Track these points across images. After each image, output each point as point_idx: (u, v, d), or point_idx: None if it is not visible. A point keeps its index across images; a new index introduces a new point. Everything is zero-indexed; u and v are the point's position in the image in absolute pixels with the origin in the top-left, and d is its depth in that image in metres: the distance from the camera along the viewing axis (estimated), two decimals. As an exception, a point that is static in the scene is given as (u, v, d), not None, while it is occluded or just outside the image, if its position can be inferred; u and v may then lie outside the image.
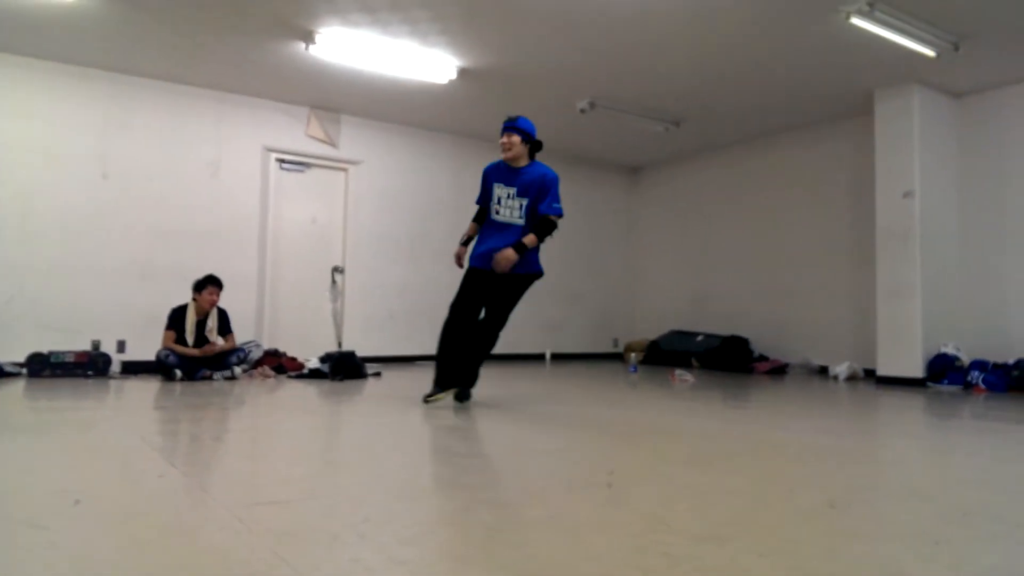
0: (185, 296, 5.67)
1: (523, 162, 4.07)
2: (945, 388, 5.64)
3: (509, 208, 3.97)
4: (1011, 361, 5.65)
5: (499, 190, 4.02)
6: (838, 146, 7.20)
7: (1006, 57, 5.46)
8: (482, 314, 4.08)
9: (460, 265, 4.19)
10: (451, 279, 7.90)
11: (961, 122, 6.32)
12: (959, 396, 5.16)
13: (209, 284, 5.58)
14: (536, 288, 9.50)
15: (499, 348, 8.08)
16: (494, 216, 4.00)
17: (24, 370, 5.40)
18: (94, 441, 2.84)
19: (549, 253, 8.64)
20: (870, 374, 6.46)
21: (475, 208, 4.22)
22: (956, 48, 5.19)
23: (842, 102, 6.61)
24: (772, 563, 1.45)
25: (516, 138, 4.03)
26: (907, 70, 5.76)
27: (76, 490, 1.96)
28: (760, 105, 6.80)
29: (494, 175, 4.10)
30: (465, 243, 4.18)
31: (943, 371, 5.76)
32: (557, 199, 4.00)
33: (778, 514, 1.85)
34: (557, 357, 8.64)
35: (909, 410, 4.41)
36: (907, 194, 6.00)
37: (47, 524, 1.65)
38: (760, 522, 1.77)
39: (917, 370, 5.88)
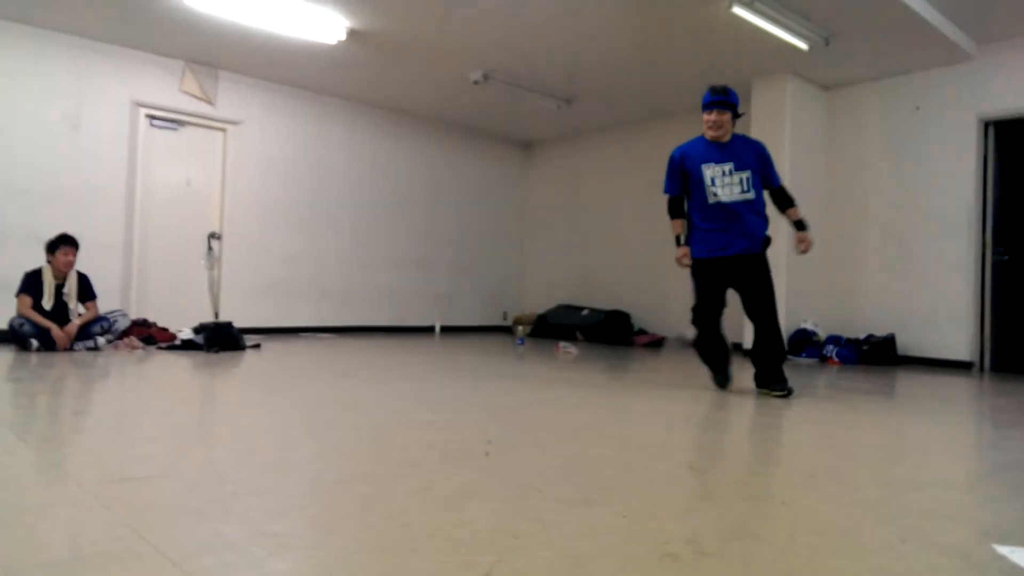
0: (40, 260, 5.22)
1: (728, 136, 3.76)
2: (803, 361, 6.09)
3: (730, 186, 3.66)
4: (862, 336, 6.17)
5: (711, 170, 3.70)
6: (718, 130, 7.52)
7: (870, 55, 5.87)
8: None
9: (685, 265, 3.95)
10: (342, 247, 7.79)
11: (830, 113, 6.76)
12: (815, 368, 5.59)
13: (63, 244, 5.16)
14: (428, 260, 9.52)
15: (388, 320, 8.10)
16: (712, 200, 3.69)
17: None
18: (-71, 416, 2.58)
19: (441, 226, 8.67)
20: (738, 348, 6.86)
21: (656, 203, 4.11)
22: (827, 43, 5.53)
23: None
24: (634, 524, 1.53)
25: (727, 115, 3.70)
26: (783, 62, 6.08)
27: (-97, 469, 1.79)
28: (647, 89, 7.00)
29: (697, 156, 3.77)
30: (685, 242, 3.94)
31: (802, 345, 6.22)
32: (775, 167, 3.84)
33: (642, 479, 1.95)
34: (447, 330, 8.65)
35: (771, 381, 4.72)
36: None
37: None
38: (625, 487, 1.86)
39: (780, 344, 6.31)
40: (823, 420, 3.13)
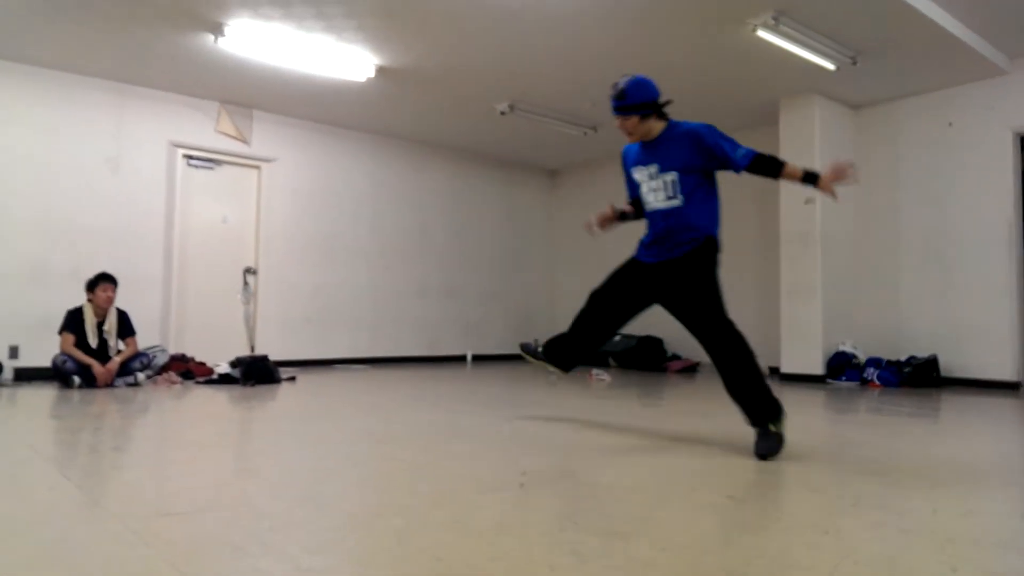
0: (82, 298, 5.35)
1: (657, 131, 3.18)
2: (843, 384, 5.96)
3: (655, 191, 3.11)
4: (903, 358, 6.03)
5: (639, 174, 3.22)
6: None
7: (899, 72, 5.82)
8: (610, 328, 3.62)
9: (593, 230, 3.65)
10: (371, 278, 7.88)
11: (858, 132, 6.69)
12: (856, 391, 5.46)
13: (102, 281, 5.29)
14: (457, 289, 9.50)
15: (420, 350, 8.13)
16: (648, 207, 3.20)
17: (-101, 378, 4.99)
18: (-23, 454, 2.65)
19: (469, 255, 8.72)
20: (774, 371, 6.76)
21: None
22: (854, 62, 5.49)
23: (750, 112, 6.90)
24: (673, 557, 1.50)
25: (634, 119, 3.13)
26: (810, 82, 6.06)
27: (-47, 507, 1.83)
28: (672, 114, 6.96)
29: (630, 158, 3.31)
30: (620, 216, 3.55)
31: (841, 368, 6.09)
32: (733, 142, 3.10)
33: (680, 509, 1.91)
34: (479, 358, 8.65)
35: (809, 406, 4.63)
36: (808, 200, 6.31)
37: (-82, 545, 1.53)
38: (663, 518, 1.82)
39: (818, 367, 6.20)
40: (866, 444, 3.05)
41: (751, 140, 7.28)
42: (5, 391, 4.83)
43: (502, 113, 6.87)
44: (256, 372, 5.36)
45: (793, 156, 6.43)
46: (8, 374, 5.40)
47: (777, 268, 6.64)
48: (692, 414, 4.09)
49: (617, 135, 8.25)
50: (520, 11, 4.79)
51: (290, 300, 7.17)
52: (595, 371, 6.46)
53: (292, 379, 5.71)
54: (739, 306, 7.32)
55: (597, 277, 9.46)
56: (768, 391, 2.88)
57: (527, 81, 6.19)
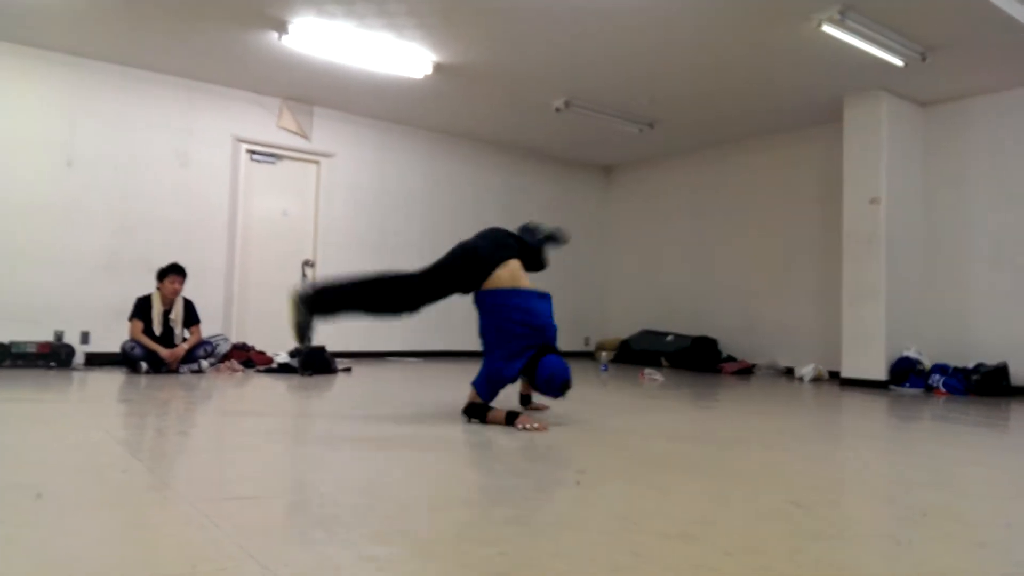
0: (151, 287, 5.56)
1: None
2: (907, 391, 5.76)
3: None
4: (971, 365, 5.80)
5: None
6: (808, 152, 7.32)
7: (971, 69, 5.59)
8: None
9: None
10: (423, 275, 7.93)
11: (927, 130, 6.46)
12: (920, 399, 5.28)
13: (171, 272, 5.48)
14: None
15: (472, 345, 8.13)
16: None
17: (-18, 360, 5.26)
18: (56, 434, 2.77)
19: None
20: (835, 376, 6.58)
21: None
22: (924, 58, 5.30)
23: (812, 108, 6.72)
24: (739, 561, 1.47)
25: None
26: (876, 78, 5.87)
27: (37, 484, 1.92)
28: (733, 110, 6.88)
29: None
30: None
31: (905, 374, 5.89)
32: None
33: (743, 513, 1.88)
34: (528, 355, 8.64)
35: (872, 412, 4.50)
36: (874, 200, 6.12)
37: (4, 518, 1.61)
38: (726, 521, 1.80)
39: (880, 373, 6.01)
40: (933, 455, 2.94)
41: (814, 137, 7.19)
42: (77, 375, 5.04)
43: (557, 110, 6.85)
44: (314, 362, 5.48)
45: (858, 154, 6.27)
46: (80, 358, 5.63)
47: (839, 270, 6.46)
48: (749, 415, 4.02)
49: (675, 133, 8.20)
50: (579, 7, 4.76)
51: (346, 293, 7.29)
52: (647, 371, 6.40)
53: (348, 370, 5.81)
54: (799, 308, 7.25)
55: (650, 275, 9.40)
56: None
57: (584, 77, 6.16)
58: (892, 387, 5.92)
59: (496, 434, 3.04)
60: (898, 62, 5.35)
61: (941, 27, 4.89)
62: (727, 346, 7.73)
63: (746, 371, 7.20)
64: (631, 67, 5.87)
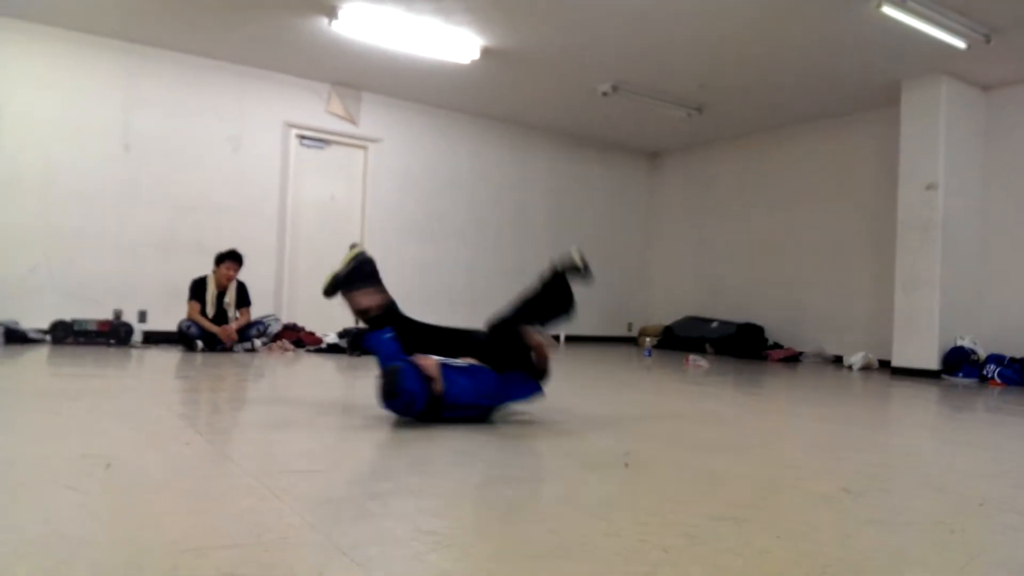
0: (204, 268, 5.73)
1: None
2: (960, 381, 5.62)
3: None
4: (1029, 356, 5.63)
5: None
6: (862, 136, 7.14)
7: (1038, 49, 5.38)
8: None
9: None
10: (469, 257, 8.01)
11: (989, 115, 6.23)
12: (974, 389, 5.15)
13: (227, 259, 5.64)
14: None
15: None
16: None
17: (48, 337, 5.49)
18: (120, 408, 2.90)
19: (564, 236, 8.72)
20: (885, 365, 6.44)
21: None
22: (988, 40, 5.11)
23: (868, 92, 6.54)
24: (789, 545, 1.47)
25: None
26: (936, 61, 5.68)
27: (106, 455, 2.01)
28: (785, 94, 6.74)
29: None
30: None
31: (958, 364, 5.74)
32: None
33: (792, 499, 1.88)
34: (571, 339, 8.67)
35: (923, 401, 4.40)
36: (930, 186, 5.95)
37: (78, 486, 1.70)
38: (775, 506, 1.80)
39: (932, 362, 5.87)
40: (988, 445, 2.88)
41: (869, 122, 7.00)
42: (135, 352, 5.24)
43: (604, 94, 6.80)
44: (362, 343, 5.58)
45: (915, 139, 6.10)
46: (138, 336, 5.84)
47: (891, 258, 6.31)
48: (797, 402, 3.97)
49: (724, 117, 8.07)
50: (629, -11, 4.71)
51: (392, 276, 7.31)
52: (692, 357, 6.35)
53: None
54: (848, 296, 7.11)
55: (693, 261, 9.30)
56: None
57: (632, 62, 6.10)
58: (944, 376, 5.78)
59: (542, 416, 3.07)
60: (960, 44, 5.17)
61: (1007, 7, 4.71)
62: (773, 333, 7.62)
63: (793, 359, 7.10)
64: (681, 52, 5.79)
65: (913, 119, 6.12)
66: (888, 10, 4.69)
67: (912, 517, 1.77)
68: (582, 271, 3.17)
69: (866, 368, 6.44)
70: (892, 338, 6.20)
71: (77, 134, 5.91)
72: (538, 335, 2.97)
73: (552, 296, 3.16)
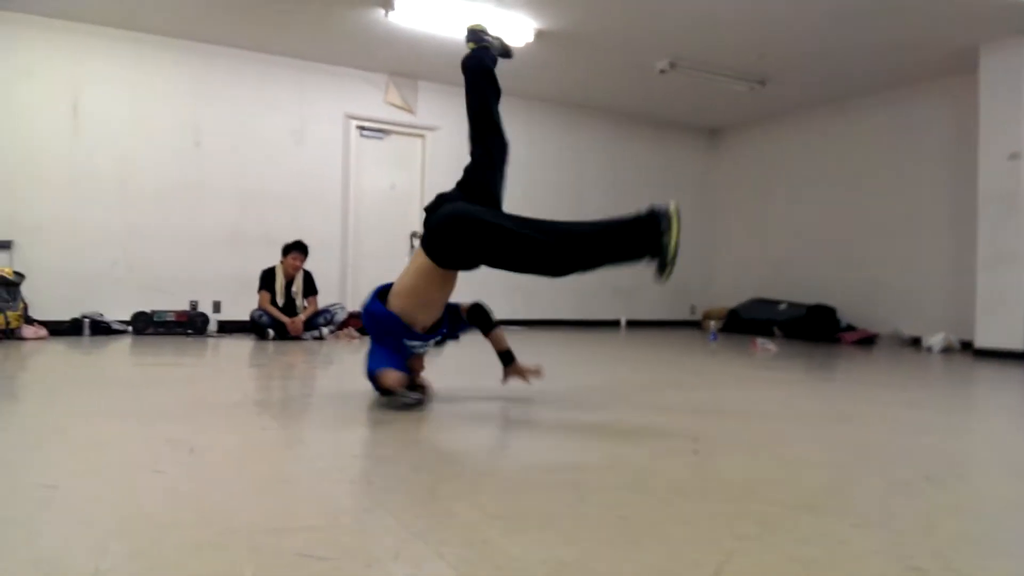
0: (271, 260, 5.90)
1: None
2: (1049, 362, 5.33)
3: None
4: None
5: None
6: (936, 105, 6.80)
7: None
8: None
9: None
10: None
11: (1078, 77, 5.85)
12: (1064, 371, 4.87)
13: (294, 250, 5.79)
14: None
15: (574, 314, 8.20)
16: None
17: (130, 328, 5.76)
18: (199, 395, 3.02)
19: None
20: (967, 346, 6.17)
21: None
22: (1077, -4, 4.79)
23: (942, 59, 6.22)
24: (869, 534, 1.43)
25: None
26: (1017, 22, 5.35)
27: (189, 440, 2.10)
28: (851, 62, 6.47)
29: None
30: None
31: (1044, 345, 5.44)
32: None
33: (872, 486, 1.82)
34: (632, 324, 8.59)
35: (1009, 384, 4.19)
36: (1014, 156, 5.63)
37: (165, 470, 1.78)
38: (854, 494, 1.74)
39: (1018, 343, 5.58)
40: (1084, 431, 2.72)
41: (943, 89, 6.68)
42: (211, 341, 5.44)
43: (662, 71, 6.67)
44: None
45: (996, 107, 5.78)
46: (213, 326, 6.07)
47: (971, 233, 6.01)
48: (874, 386, 3.84)
49: (787, 90, 7.81)
50: (688, -36, 4.59)
51: (452, 263, 7.46)
52: (759, 340, 6.21)
53: (456, 337, 5.95)
54: (926, 274, 6.82)
55: (757, 242, 9.08)
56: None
57: (690, 37, 5.96)
58: None
59: (605, 402, 3.06)
60: (1046, 2, 4.86)
61: (1099, -41, 4.40)
62: (846, 314, 7.37)
63: (868, 341, 6.86)
64: (741, 23, 5.62)
65: (993, 85, 5.80)
66: (966, -29, 4.44)
67: (996, 505, 1.69)
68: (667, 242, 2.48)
69: (947, 350, 6.17)
70: (975, 317, 5.92)
71: (150, 132, 6.15)
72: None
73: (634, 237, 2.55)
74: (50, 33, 5.79)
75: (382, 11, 5.48)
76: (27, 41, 5.74)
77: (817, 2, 5.18)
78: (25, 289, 5.44)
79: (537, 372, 3.01)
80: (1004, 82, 5.72)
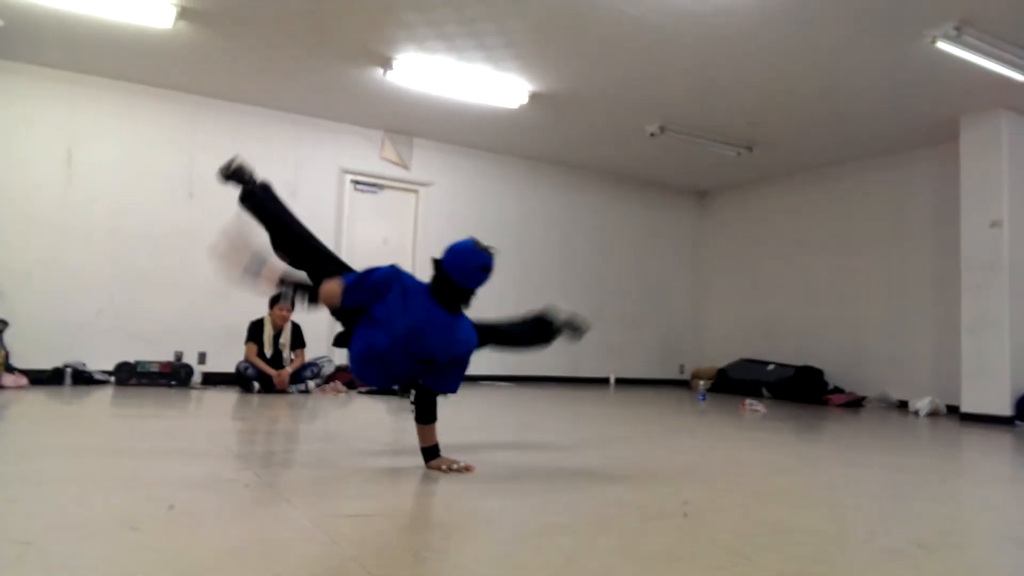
0: (259, 311, 5.87)
1: None
2: (1036, 428, 5.34)
3: None
4: (1110, 402, 5.32)
5: None
6: (919, 173, 6.97)
7: (1105, 81, 5.20)
8: None
9: None
10: (513, 300, 8.03)
11: (1054, 149, 6.03)
12: (1052, 437, 4.88)
13: (281, 300, 5.76)
14: (600, 311, 9.50)
15: (563, 370, 8.17)
16: None
17: (112, 378, 5.68)
18: (181, 448, 2.96)
19: (612, 277, 8.68)
20: (953, 410, 6.17)
21: None
22: (1050, 72, 4.98)
23: (924, 128, 6.41)
24: (862, 604, 1.41)
25: None
26: (996, 96, 5.55)
27: (168, 496, 2.05)
28: (838, 131, 6.65)
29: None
30: None
31: (1034, 410, 5.46)
32: None
33: (863, 553, 1.79)
34: (621, 381, 8.56)
35: (997, 450, 4.19)
36: (995, 223, 5.76)
37: (142, 527, 1.73)
38: (846, 562, 1.72)
39: (1005, 407, 5.59)
40: (1074, 499, 2.71)
41: (926, 158, 6.85)
42: (195, 393, 5.36)
43: (651, 135, 6.82)
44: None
45: (977, 176, 5.94)
46: (197, 377, 5.99)
47: (956, 298, 6.09)
48: (862, 450, 3.82)
49: (775, 155, 7.98)
50: (677, 31, 4.75)
51: (442, 318, 7.46)
52: (748, 401, 6.19)
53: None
54: (912, 338, 6.87)
55: (746, 302, 9.13)
56: None
57: (679, 102, 6.12)
58: (1018, 423, 5.50)
59: (594, 462, 3.02)
60: (1021, 78, 5.05)
61: (1070, 39, 4.59)
62: (833, 377, 7.39)
63: (855, 403, 6.85)
64: (729, 92, 5.79)
65: (973, 155, 5.96)
66: (944, 45, 4.61)
67: (992, 574, 1.67)
68: (577, 331, 3.44)
69: (933, 414, 6.17)
70: (960, 382, 5.94)
71: (143, 182, 6.19)
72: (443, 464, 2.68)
73: (537, 334, 3.43)
74: (49, 83, 5.87)
75: (380, 70, 5.61)
76: (26, 90, 5.81)
77: (803, 74, 5.35)
78: (8, 336, 5.37)
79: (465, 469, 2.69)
80: (984, 152, 5.89)
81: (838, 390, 7.18)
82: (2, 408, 4.05)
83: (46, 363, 5.57)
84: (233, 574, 1.44)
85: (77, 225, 5.94)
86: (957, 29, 4.47)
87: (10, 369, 5.28)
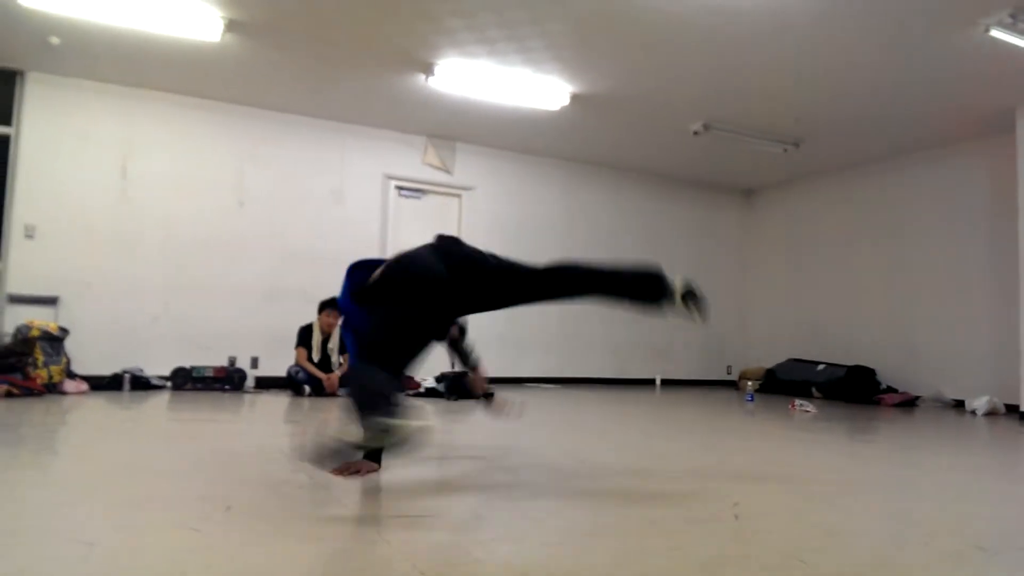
0: (309, 316, 6.00)
1: None
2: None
3: None
4: None
5: None
6: (975, 165, 6.75)
7: None
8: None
9: None
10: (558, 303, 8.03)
11: (1119, 137, 5.79)
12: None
13: (328, 307, 5.87)
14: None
15: (609, 372, 8.14)
16: None
17: (169, 383, 5.86)
18: (237, 450, 3.05)
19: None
20: (1012, 410, 5.96)
21: None
22: (1113, 58, 4.78)
23: (978, 121, 6.21)
24: (921, 609, 1.38)
25: None
26: (1055, 83, 5.35)
27: (226, 496, 2.11)
28: (888, 124, 6.49)
29: None
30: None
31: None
32: None
33: (921, 556, 1.75)
34: (667, 382, 8.48)
35: (1063, 451, 4.03)
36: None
37: (202, 528, 1.79)
38: (903, 564, 1.68)
39: (1070, 407, 5.38)
40: None
41: (984, 150, 6.62)
42: (248, 397, 5.50)
43: (695, 133, 6.75)
44: (458, 388, 5.67)
45: (1036, 167, 5.72)
46: (250, 382, 6.15)
47: (1016, 293, 5.88)
48: (918, 452, 3.72)
49: (823, 152, 7.84)
50: (719, 29, 4.71)
51: (486, 320, 7.46)
52: (797, 401, 6.08)
53: (490, 396, 5.94)
54: (968, 336, 6.66)
55: (794, 302, 8.96)
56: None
57: (724, 99, 6.05)
58: (1085, 424, 5.28)
59: (642, 463, 3.01)
60: (1082, 64, 4.86)
61: None
62: (886, 376, 7.20)
63: (909, 403, 6.67)
64: (775, 88, 5.70)
65: (1032, 148, 5.76)
66: (998, 33, 4.47)
67: (1060, 581, 1.62)
68: (692, 302, 2.93)
69: (991, 413, 5.97)
70: (1020, 381, 5.73)
71: (195, 192, 6.38)
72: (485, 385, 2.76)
73: (640, 284, 2.92)
74: (104, 97, 6.09)
75: (423, 76, 5.68)
76: (83, 105, 6.05)
77: (850, 68, 5.24)
78: (68, 344, 5.59)
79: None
80: (1042, 143, 5.68)
81: (891, 389, 7.00)
82: (64, 413, 4.22)
83: (105, 369, 5.78)
84: (293, 570, 1.48)
85: (132, 235, 6.15)
86: (1012, 16, 4.33)
87: (71, 375, 5.49)
